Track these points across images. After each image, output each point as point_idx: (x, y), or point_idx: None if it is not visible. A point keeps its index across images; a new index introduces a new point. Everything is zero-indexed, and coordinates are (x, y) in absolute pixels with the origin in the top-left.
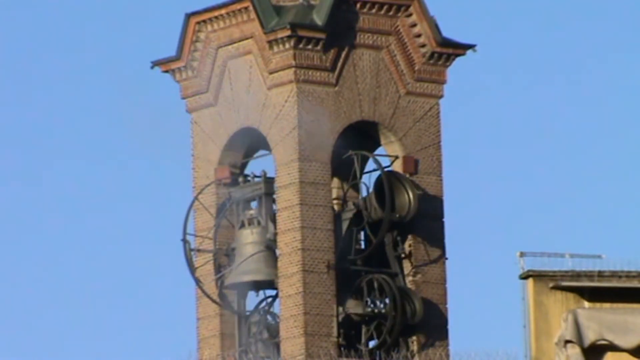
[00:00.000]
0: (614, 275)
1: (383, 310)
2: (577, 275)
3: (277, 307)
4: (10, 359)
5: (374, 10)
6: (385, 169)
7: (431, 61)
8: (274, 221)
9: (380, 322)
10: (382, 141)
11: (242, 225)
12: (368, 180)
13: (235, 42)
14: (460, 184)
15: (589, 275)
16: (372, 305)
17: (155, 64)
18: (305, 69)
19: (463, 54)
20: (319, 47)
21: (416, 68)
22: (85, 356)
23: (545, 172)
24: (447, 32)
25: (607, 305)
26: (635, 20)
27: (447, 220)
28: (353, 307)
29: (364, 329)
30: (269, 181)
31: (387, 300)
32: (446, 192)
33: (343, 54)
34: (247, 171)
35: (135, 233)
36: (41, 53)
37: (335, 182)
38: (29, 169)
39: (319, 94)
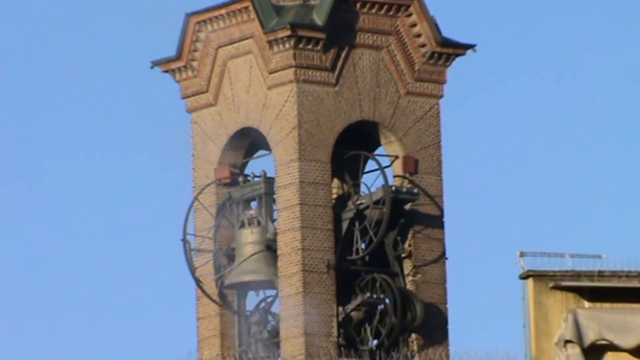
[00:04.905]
0: (614, 275)
1: (382, 296)
2: (577, 275)
3: (277, 307)
4: (10, 359)
5: (374, 10)
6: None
7: (431, 61)
8: (273, 221)
9: (380, 320)
10: (382, 141)
11: (242, 225)
12: (368, 181)
13: (235, 42)
14: (460, 184)
15: (589, 275)
16: (371, 296)
17: (155, 64)
18: (305, 69)
19: (463, 54)
20: (319, 47)
21: (416, 68)
22: (86, 356)
23: (545, 172)
24: (447, 32)
25: (607, 305)
26: (635, 20)
27: (447, 220)
28: (353, 307)
29: (368, 329)
30: (269, 181)
31: (387, 301)
32: (446, 192)
33: (343, 54)
34: (247, 171)
35: (135, 233)
36: (41, 53)
37: (335, 182)
38: (28, 169)
39: (319, 94)
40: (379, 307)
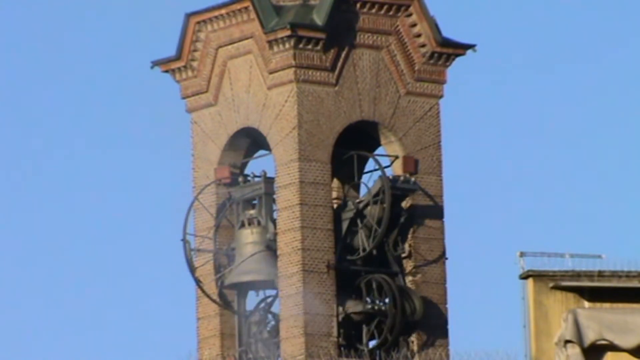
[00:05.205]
0: (614, 275)
1: (383, 308)
2: (577, 275)
3: (277, 307)
4: (10, 359)
5: (374, 10)
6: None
7: (431, 61)
8: (273, 221)
9: (380, 321)
10: (382, 141)
11: (242, 225)
12: (368, 181)
13: (235, 42)
14: (460, 184)
15: (589, 275)
16: (371, 304)
17: (155, 64)
18: (305, 69)
19: (463, 54)
20: (319, 47)
21: (416, 68)
22: (86, 356)
23: (545, 172)
24: (447, 32)
25: (607, 305)
26: (635, 20)
27: (447, 220)
28: (353, 307)
29: (364, 329)
30: (269, 181)
31: (386, 300)
32: (446, 192)
33: (343, 54)
34: (247, 171)
35: (136, 233)
36: (41, 53)
37: (335, 182)
38: (27, 168)
39: (319, 94)
40: (379, 317)
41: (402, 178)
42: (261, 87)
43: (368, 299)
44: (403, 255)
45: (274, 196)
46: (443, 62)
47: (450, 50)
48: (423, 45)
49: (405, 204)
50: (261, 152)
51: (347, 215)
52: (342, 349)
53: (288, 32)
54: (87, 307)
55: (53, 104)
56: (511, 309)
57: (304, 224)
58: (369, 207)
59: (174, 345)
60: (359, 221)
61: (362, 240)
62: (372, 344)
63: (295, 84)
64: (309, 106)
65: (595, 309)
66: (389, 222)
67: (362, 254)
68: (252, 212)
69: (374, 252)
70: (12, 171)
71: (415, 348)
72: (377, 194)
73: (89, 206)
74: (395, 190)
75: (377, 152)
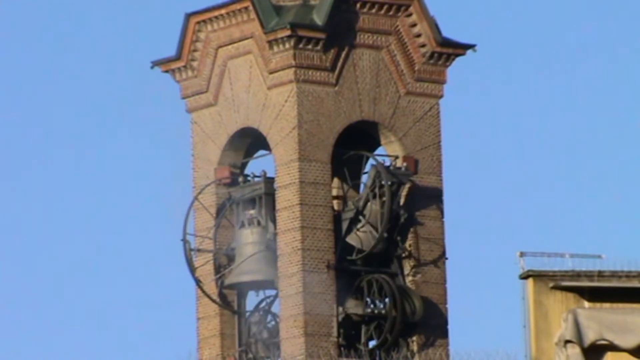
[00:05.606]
0: (614, 275)
1: (383, 311)
2: (577, 275)
3: (277, 307)
4: (10, 359)
5: (374, 10)
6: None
7: (431, 61)
8: (274, 221)
9: (380, 322)
10: (382, 141)
11: (242, 225)
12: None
13: (235, 42)
14: (460, 184)
15: (589, 275)
16: (372, 306)
17: (155, 64)
18: (305, 69)
19: (463, 54)
20: (319, 47)
21: (416, 68)
22: (86, 356)
23: (545, 172)
24: (447, 32)
25: (607, 305)
26: (635, 20)
27: (447, 220)
28: (353, 307)
29: (363, 329)
30: (269, 181)
31: (387, 300)
32: (446, 192)
33: (343, 54)
34: (247, 171)
35: (136, 233)
36: (41, 53)
37: (335, 182)
38: (27, 169)
39: (319, 94)
40: (379, 320)
41: (392, 165)
42: (261, 87)
43: (368, 299)
44: (403, 255)
45: (274, 196)
46: (443, 62)
47: (450, 50)
48: (423, 45)
49: (402, 199)
50: (261, 152)
51: (347, 215)
52: (342, 349)
53: (288, 32)
54: (87, 307)
55: (53, 103)
56: (511, 309)
57: (304, 224)
58: (368, 204)
59: (174, 345)
60: (360, 217)
61: (366, 238)
62: (372, 343)
63: (295, 84)
64: (309, 106)
65: (595, 309)
66: (389, 221)
67: (369, 249)
68: (252, 212)
69: (377, 248)
70: (12, 171)
71: (415, 348)
72: (373, 184)
73: (89, 206)
74: (391, 177)
75: (377, 152)
